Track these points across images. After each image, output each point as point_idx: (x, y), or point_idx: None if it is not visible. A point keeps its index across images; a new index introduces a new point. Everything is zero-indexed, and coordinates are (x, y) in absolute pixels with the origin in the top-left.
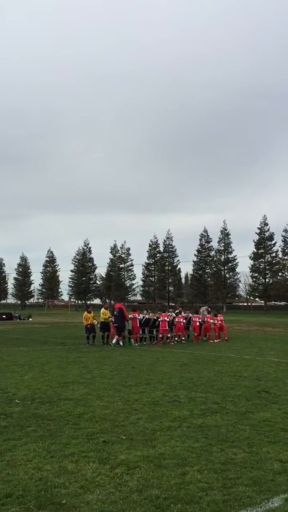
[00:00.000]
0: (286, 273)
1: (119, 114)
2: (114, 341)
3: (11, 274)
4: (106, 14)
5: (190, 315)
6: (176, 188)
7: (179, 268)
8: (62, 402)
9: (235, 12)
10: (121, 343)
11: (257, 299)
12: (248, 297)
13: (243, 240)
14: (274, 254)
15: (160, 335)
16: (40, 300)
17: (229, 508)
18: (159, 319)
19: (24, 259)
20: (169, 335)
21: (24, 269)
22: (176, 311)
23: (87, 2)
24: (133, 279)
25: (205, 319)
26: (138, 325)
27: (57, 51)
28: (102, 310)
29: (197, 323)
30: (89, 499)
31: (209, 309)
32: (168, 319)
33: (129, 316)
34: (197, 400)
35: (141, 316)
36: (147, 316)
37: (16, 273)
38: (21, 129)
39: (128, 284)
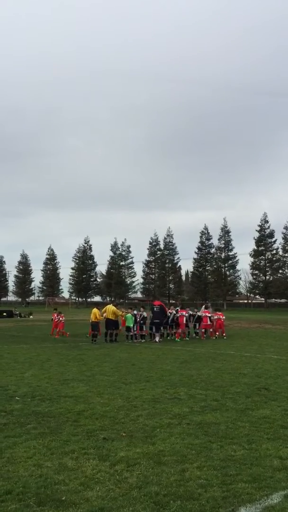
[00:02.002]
0: (286, 270)
1: (118, 111)
2: (157, 339)
3: (11, 272)
4: (105, 11)
5: (190, 312)
6: (176, 186)
7: (180, 266)
8: (62, 399)
9: (234, 9)
10: (158, 338)
11: (257, 296)
12: (248, 294)
13: (244, 237)
14: (274, 252)
15: (203, 330)
16: (40, 298)
17: (228, 504)
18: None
19: (24, 256)
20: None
21: (24, 267)
22: (177, 308)
23: (86, 0)
24: (134, 276)
25: (203, 315)
26: (184, 321)
27: (56, 48)
28: (112, 308)
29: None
30: (89, 495)
31: (209, 304)
32: (210, 315)
33: (177, 314)
34: (197, 397)
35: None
36: (190, 312)
37: (17, 271)
38: (20, 126)
39: (128, 282)
